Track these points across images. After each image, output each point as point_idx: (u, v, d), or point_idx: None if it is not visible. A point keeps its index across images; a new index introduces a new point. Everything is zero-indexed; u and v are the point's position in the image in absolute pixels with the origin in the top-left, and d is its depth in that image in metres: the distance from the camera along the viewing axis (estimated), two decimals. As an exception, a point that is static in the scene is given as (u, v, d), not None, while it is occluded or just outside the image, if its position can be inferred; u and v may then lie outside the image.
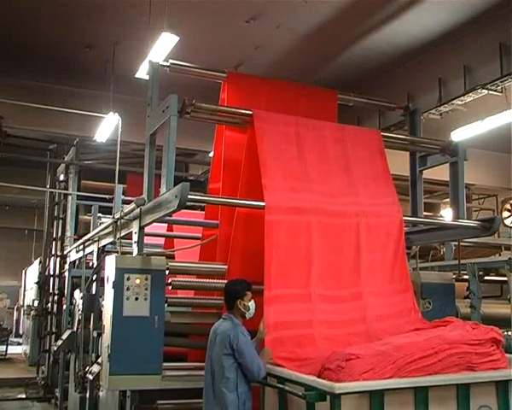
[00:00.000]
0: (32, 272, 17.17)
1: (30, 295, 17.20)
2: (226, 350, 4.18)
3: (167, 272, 5.16)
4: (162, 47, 7.75)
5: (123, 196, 7.86)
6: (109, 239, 6.79)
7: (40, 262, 14.28)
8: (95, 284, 7.20)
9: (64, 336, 8.47)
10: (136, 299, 4.90)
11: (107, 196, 9.72)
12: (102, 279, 5.98)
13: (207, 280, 5.51)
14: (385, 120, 10.81)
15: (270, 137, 5.29)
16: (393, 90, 10.46)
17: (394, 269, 5.39)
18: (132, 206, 5.50)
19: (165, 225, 7.66)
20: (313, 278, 4.94)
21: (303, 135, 5.47)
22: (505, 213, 10.04)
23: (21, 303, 21.24)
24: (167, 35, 7.61)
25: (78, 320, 7.68)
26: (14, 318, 23.41)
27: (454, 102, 9.40)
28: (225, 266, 5.35)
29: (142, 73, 8.43)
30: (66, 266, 10.64)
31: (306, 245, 5.00)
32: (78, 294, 8.15)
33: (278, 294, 4.74)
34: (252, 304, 4.42)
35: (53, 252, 12.26)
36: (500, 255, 9.69)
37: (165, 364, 4.98)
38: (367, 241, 5.29)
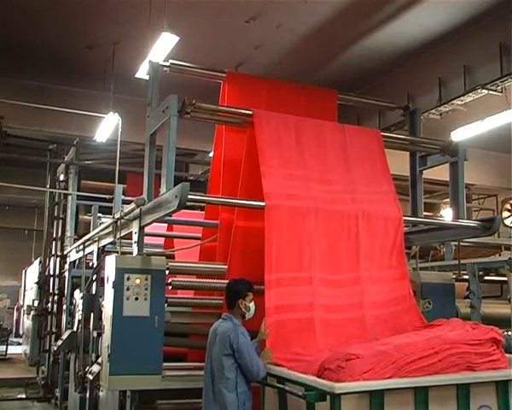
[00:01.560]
0: (32, 272, 17.16)
1: (30, 295, 17.18)
2: (226, 350, 4.18)
3: (167, 272, 5.15)
4: (162, 47, 7.75)
5: (123, 196, 7.86)
6: (109, 239, 6.79)
7: (40, 262, 14.27)
8: (95, 284, 7.20)
9: (64, 336, 8.48)
10: (136, 299, 4.90)
11: (107, 196, 9.71)
12: (102, 279, 5.98)
13: (207, 280, 5.51)
14: (385, 120, 10.80)
15: (269, 127, 5.33)
16: (393, 90, 10.45)
17: (392, 255, 5.44)
18: (132, 206, 5.50)
19: (165, 225, 7.66)
20: (313, 261, 4.97)
21: (302, 125, 5.53)
22: (505, 213, 10.05)
23: (21, 303, 21.24)
24: (167, 35, 7.61)
25: (78, 320, 7.68)
26: (14, 318, 23.41)
27: (454, 102, 9.39)
28: (225, 266, 5.36)
29: (142, 73, 8.43)
30: (66, 266, 10.65)
31: (306, 230, 5.03)
32: (78, 294, 8.14)
33: (279, 277, 4.78)
34: (252, 305, 4.43)
35: (53, 252, 12.27)
36: (500, 255, 9.70)
37: (165, 364, 4.98)
38: (366, 227, 5.33)
